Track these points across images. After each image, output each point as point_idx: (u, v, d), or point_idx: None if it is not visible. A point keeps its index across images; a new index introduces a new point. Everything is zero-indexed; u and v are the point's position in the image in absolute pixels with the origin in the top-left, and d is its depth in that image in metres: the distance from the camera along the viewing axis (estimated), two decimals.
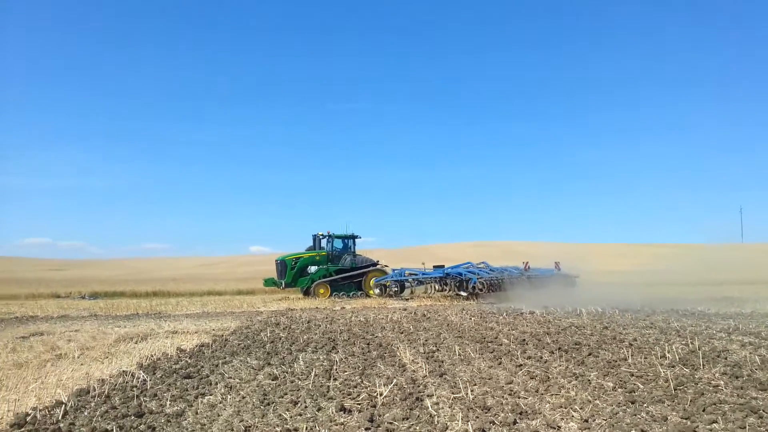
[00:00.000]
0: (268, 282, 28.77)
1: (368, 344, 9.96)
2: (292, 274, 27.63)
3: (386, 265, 29.50)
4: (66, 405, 5.61)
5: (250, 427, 4.90)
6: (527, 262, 26.54)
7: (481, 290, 22.76)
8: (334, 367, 7.69)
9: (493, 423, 4.89)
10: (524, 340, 10.12)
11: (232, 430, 4.82)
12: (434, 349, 9.33)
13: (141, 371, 7.36)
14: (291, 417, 5.19)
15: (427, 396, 5.94)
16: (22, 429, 4.83)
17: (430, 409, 5.38)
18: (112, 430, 4.80)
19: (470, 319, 14.46)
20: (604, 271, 41.72)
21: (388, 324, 13.58)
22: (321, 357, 8.61)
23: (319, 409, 5.47)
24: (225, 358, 8.69)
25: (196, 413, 5.41)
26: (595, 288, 25.36)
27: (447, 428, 4.79)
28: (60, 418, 5.22)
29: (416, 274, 26.56)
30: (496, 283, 23.54)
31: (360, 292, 27.74)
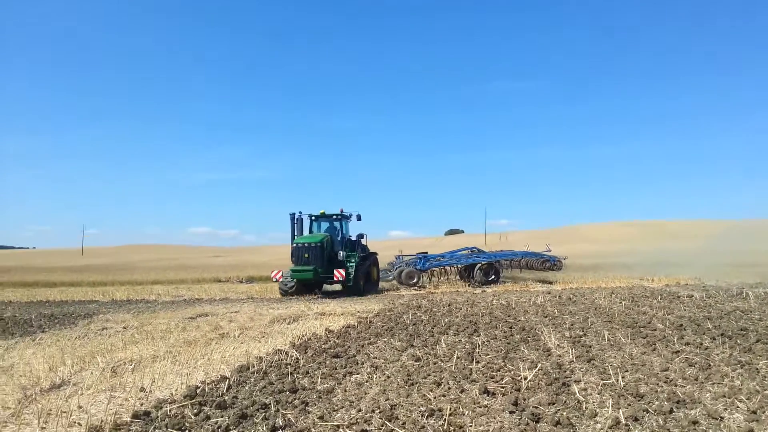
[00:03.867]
0: (304, 272, 19.85)
1: (511, 328, 9.81)
2: (326, 262, 20.39)
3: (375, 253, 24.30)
4: (229, 380, 6.12)
5: (395, 405, 5.03)
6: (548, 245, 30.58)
7: (556, 267, 26.36)
8: (477, 350, 7.67)
9: (647, 411, 4.61)
10: (681, 325, 9.44)
11: (379, 407, 4.97)
12: (581, 333, 8.98)
13: (294, 350, 7.83)
14: (435, 398, 5.26)
15: (575, 381, 5.74)
16: (194, 400, 5.33)
17: (577, 394, 5.20)
18: (270, 403, 5.16)
19: (620, 302, 13.73)
20: None
21: (531, 308, 13.28)
22: (463, 340, 8.62)
23: (462, 391, 5.49)
24: (370, 339, 8.99)
25: (345, 390, 5.66)
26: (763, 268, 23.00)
27: (596, 415, 4.61)
28: (225, 391, 5.70)
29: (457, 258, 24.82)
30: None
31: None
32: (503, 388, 5.59)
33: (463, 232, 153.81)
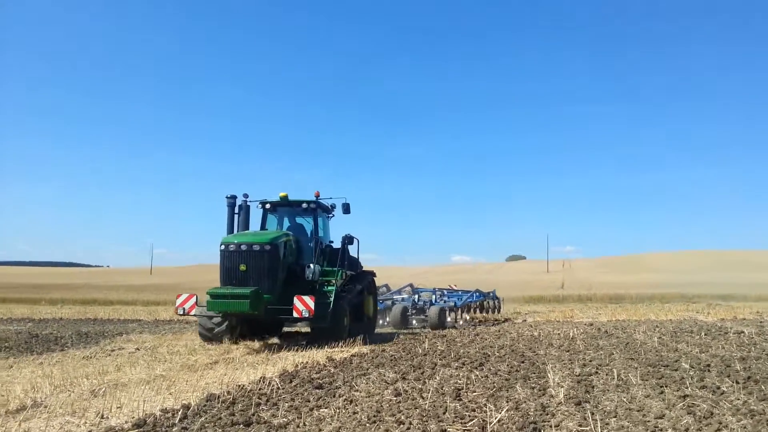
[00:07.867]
0: (234, 301, 11.18)
1: (522, 362, 9.22)
2: (279, 281, 12.17)
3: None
4: (190, 409, 5.90)
5: None
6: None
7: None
8: (468, 386, 7.19)
9: None
10: (709, 365, 8.61)
11: None
12: (593, 371, 8.33)
13: (278, 379, 7.56)
14: None
15: (549, 427, 5.22)
16: (140, 429, 5.14)
17: None
18: None
19: (660, 337, 12.80)
20: None
21: (558, 341, 12.56)
22: (461, 373, 8.13)
23: None
24: (368, 369, 8.63)
25: (298, 426, 5.34)
26: None
27: None
28: (177, 422, 5.48)
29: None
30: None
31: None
32: (467, 431, 5.13)
33: (525, 258, 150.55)
